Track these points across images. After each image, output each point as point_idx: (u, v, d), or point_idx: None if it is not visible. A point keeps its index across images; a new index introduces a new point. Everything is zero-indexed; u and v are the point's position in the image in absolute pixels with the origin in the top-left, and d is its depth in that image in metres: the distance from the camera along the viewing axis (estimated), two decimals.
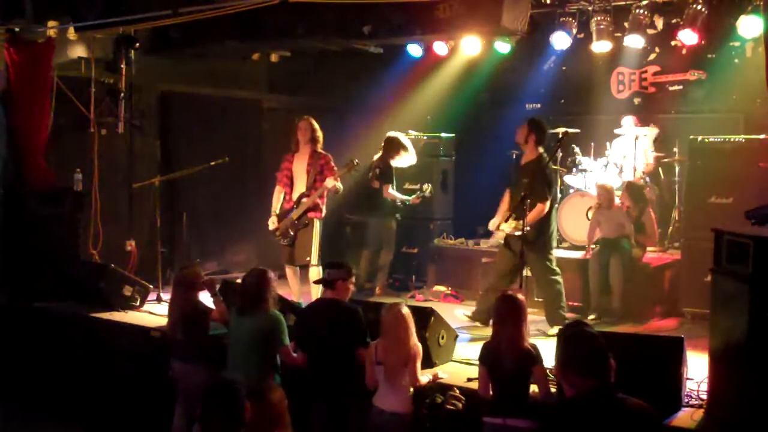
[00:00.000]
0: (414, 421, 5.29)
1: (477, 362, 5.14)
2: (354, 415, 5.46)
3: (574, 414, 3.83)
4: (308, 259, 7.73)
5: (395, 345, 5.20)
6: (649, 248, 8.56)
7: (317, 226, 7.86)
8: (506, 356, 4.88)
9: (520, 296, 5.12)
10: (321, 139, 7.94)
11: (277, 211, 7.97)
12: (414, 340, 5.28)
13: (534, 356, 4.92)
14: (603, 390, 3.79)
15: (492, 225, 7.55)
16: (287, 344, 5.61)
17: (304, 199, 7.81)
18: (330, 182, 7.69)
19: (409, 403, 5.25)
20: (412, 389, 5.27)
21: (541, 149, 7.40)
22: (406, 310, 5.33)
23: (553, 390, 4.95)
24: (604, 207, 8.22)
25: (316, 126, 7.94)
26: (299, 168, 7.93)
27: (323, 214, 7.94)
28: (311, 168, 7.83)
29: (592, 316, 7.88)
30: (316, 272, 7.62)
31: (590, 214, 8.63)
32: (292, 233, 7.85)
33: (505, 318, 4.99)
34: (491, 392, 4.97)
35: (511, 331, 4.93)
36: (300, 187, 7.89)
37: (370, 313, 6.01)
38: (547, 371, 5.02)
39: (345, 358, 5.50)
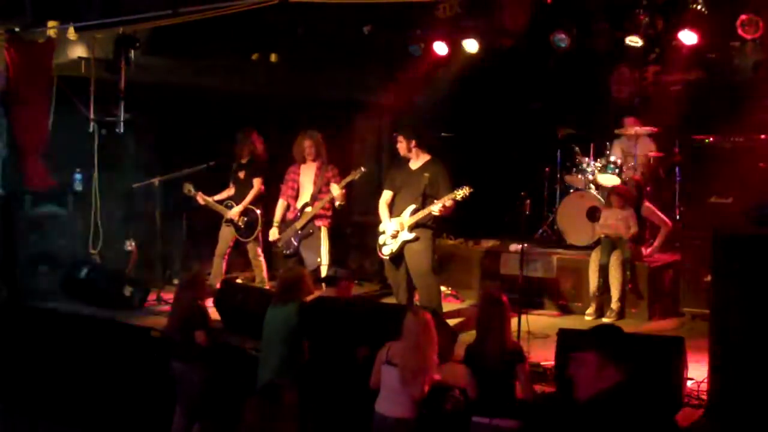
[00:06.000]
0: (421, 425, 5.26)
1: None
2: (352, 417, 5.45)
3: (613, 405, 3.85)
4: (319, 260, 7.71)
5: (416, 351, 5.04)
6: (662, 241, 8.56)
7: (325, 233, 7.85)
8: (492, 356, 4.89)
9: (504, 296, 5.13)
10: (326, 151, 8.00)
11: (278, 222, 7.96)
12: (435, 351, 5.12)
13: (519, 355, 4.93)
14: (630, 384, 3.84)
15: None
16: None
17: (308, 209, 7.80)
18: (335, 189, 7.67)
19: (415, 408, 5.12)
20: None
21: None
22: (431, 318, 5.23)
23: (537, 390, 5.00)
24: (614, 206, 8.20)
25: (321, 140, 8.01)
26: (306, 179, 7.95)
27: (330, 223, 7.91)
28: (318, 179, 7.84)
29: (590, 318, 7.89)
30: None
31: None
32: (295, 243, 7.82)
33: (489, 319, 4.99)
34: (476, 392, 4.98)
35: (497, 331, 4.94)
36: (305, 197, 7.88)
37: (372, 314, 6.02)
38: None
39: (344, 357, 5.49)
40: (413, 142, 7.35)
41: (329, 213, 7.89)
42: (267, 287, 8.24)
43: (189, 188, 8.64)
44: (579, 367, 3.91)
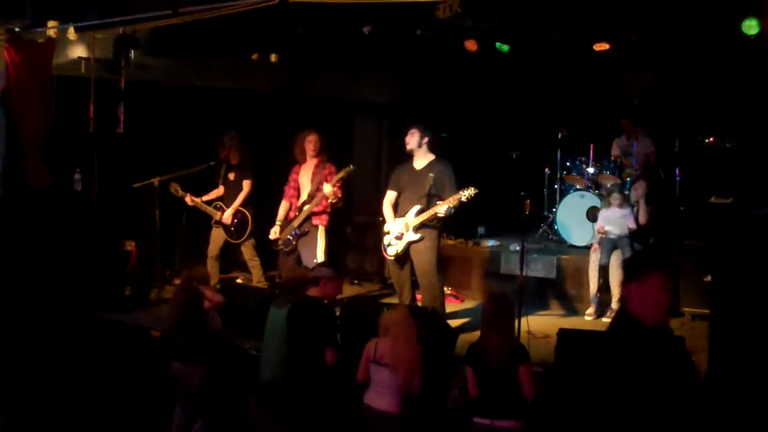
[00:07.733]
0: (409, 421, 5.27)
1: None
2: (338, 413, 5.45)
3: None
4: (315, 260, 7.73)
5: (402, 347, 5.14)
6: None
7: (322, 231, 7.88)
8: (495, 357, 4.89)
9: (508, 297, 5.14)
10: (326, 150, 8.02)
11: (281, 221, 8.01)
12: (417, 343, 5.24)
13: (522, 355, 4.93)
14: None
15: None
16: None
17: (305, 207, 7.85)
18: (327, 188, 7.70)
19: (403, 404, 5.20)
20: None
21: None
22: (409, 312, 5.33)
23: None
24: (614, 205, 8.21)
25: (322, 138, 8.03)
26: (305, 178, 8.03)
27: (327, 221, 7.93)
28: (315, 177, 7.89)
29: (590, 318, 7.89)
30: None
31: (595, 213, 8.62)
32: (293, 241, 7.88)
33: (494, 319, 4.99)
34: (478, 393, 4.98)
35: (500, 331, 4.94)
36: (304, 196, 7.96)
37: (367, 312, 6.02)
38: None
39: (314, 356, 5.47)
40: (426, 139, 7.35)
41: (326, 211, 7.90)
42: (264, 287, 8.26)
43: (176, 188, 8.71)
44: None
